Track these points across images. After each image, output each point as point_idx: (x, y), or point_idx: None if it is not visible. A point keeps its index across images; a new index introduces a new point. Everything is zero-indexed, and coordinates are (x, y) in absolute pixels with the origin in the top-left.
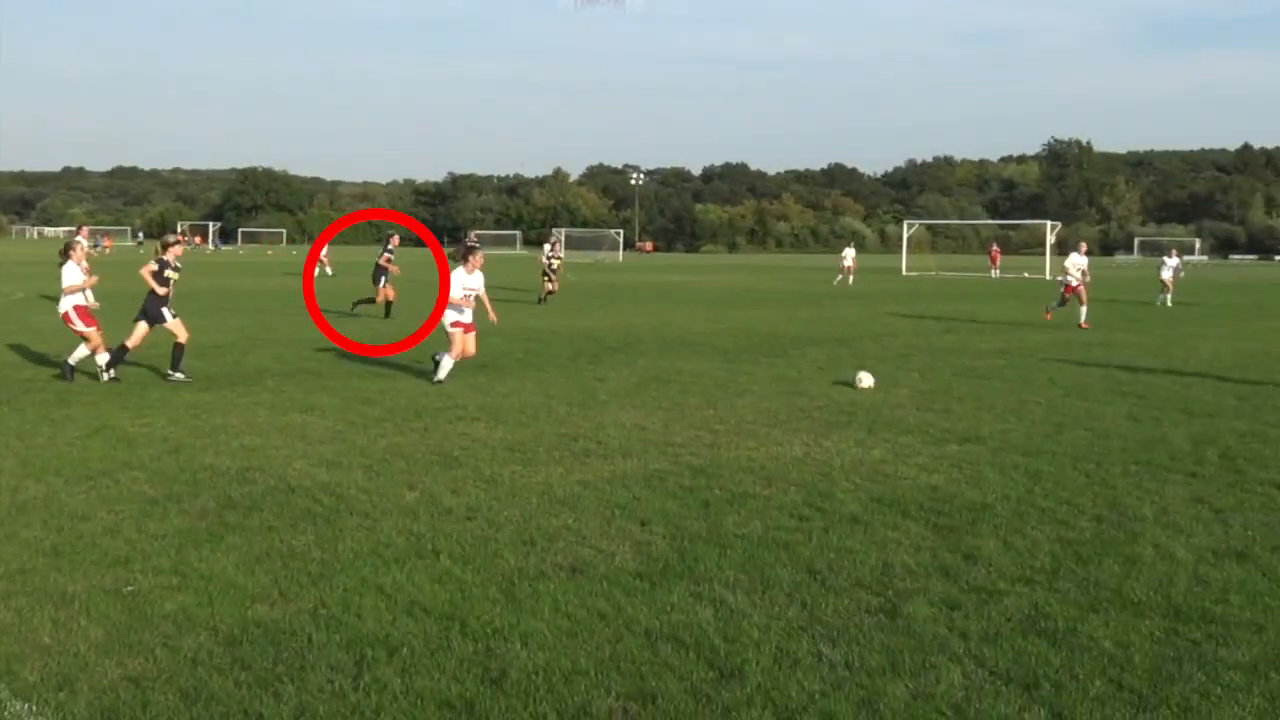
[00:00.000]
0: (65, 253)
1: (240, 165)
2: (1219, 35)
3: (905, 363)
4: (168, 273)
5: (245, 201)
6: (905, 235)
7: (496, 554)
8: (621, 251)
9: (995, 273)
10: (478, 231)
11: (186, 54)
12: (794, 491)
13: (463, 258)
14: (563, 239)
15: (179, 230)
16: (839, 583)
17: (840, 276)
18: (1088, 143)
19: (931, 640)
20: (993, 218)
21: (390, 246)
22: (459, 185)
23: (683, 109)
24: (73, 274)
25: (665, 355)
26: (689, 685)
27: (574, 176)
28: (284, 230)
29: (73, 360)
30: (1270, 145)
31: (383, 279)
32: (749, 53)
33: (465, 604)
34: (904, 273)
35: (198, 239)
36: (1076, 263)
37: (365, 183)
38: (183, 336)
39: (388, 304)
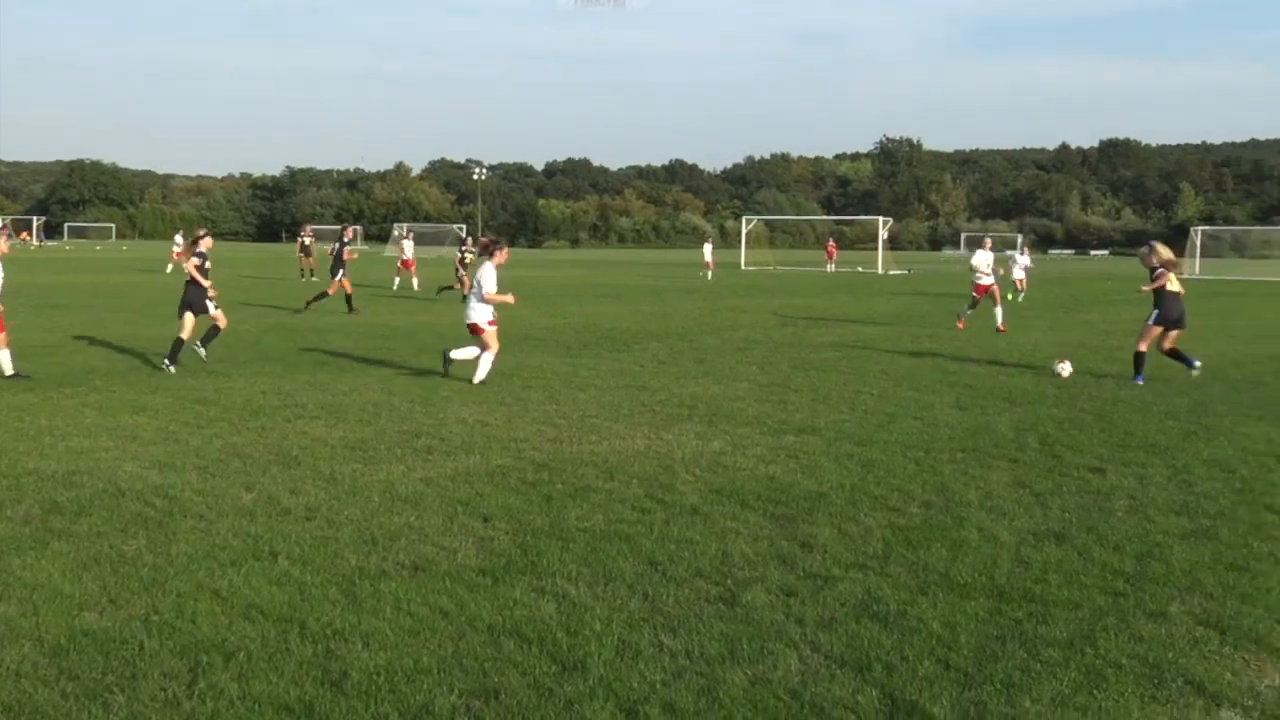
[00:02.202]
0: None
1: (66, 158)
2: (1040, 39)
3: (745, 356)
4: (207, 264)
5: (72, 195)
6: (744, 231)
7: (337, 554)
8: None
9: (831, 267)
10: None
11: (6, 42)
12: (636, 484)
13: (491, 253)
14: (466, 235)
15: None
16: (679, 573)
17: (703, 272)
18: (918, 141)
19: (769, 627)
20: (828, 213)
21: (346, 240)
22: (297, 179)
23: (524, 104)
24: None
25: (508, 350)
26: (531, 680)
27: (416, 171)
28: (113, 225)
29: None
30: (1086, 145)
31: (340, 272)
32: (589, 48)
33: (304, 605)
34: (743, 267)
35: (23, 235)
36: (984, 260)
37: (200, 176)
38: (224, 324)
39: (347, 297)
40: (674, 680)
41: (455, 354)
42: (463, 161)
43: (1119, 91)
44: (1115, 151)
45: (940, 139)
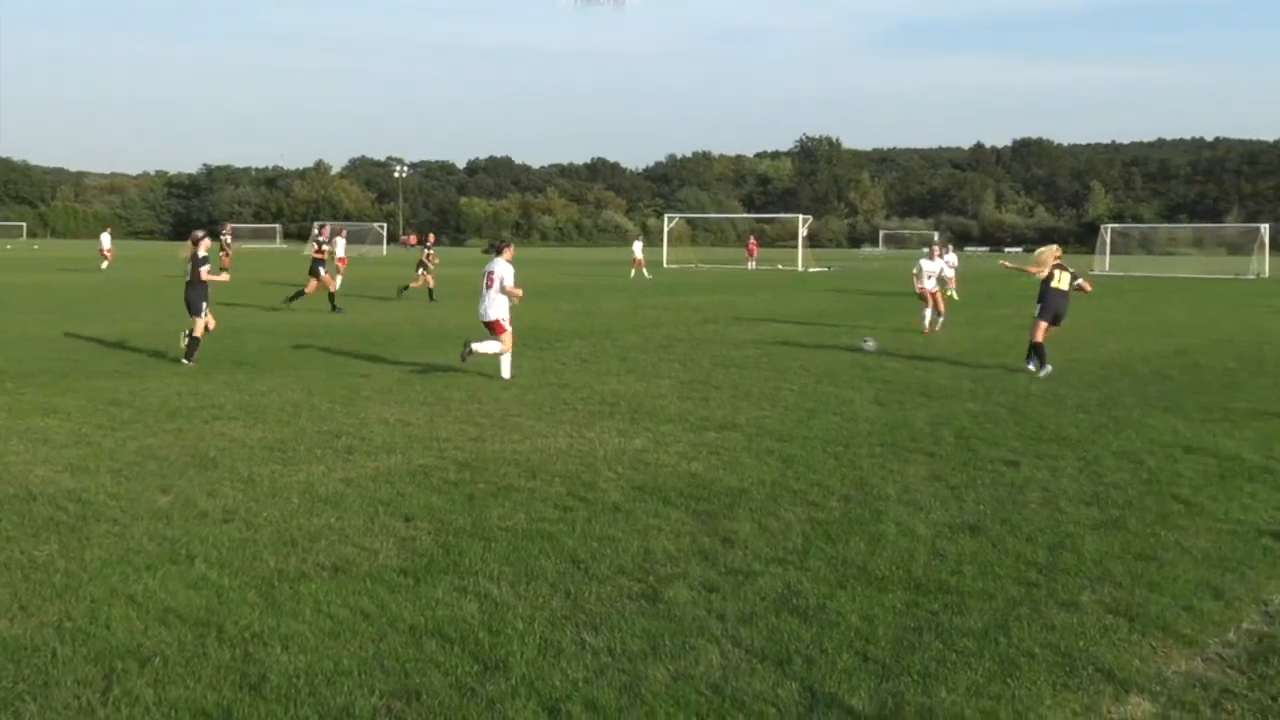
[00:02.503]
0: None
1: None
2: (957, 40)
3: (667, 354)
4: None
5: None
6: (666, 229)
7: (255, 556)
8: (385, 245)
9: (752, 265)
10: (233, 225)
11: None
12: (558, 483)
13: (500, 250)
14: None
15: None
16: (602, 571)
17: (635, 272)
18: (836, 140)
19: (691, 623)
20: (749, 211)
21: (320, 237)
22: (214, 177)
23: (445, 101)
24: None
25: (425, 349)
26: (454, 680)
27: (336, 169)
28: (24, 224)
29: None
30: (1000, 144)
31: (320, 270)
32: (510, 45)
33: (222, 609)
34: (665, 265)
35: None
36: (926, 269)
37: (113, 174)
38: (212, 325)
39: (330, 295)
40: (596, 678)
41: (477, 346)
42: (383, 159)
43: (1032, 92)
44: (1028, 151)
45: (859, 138)
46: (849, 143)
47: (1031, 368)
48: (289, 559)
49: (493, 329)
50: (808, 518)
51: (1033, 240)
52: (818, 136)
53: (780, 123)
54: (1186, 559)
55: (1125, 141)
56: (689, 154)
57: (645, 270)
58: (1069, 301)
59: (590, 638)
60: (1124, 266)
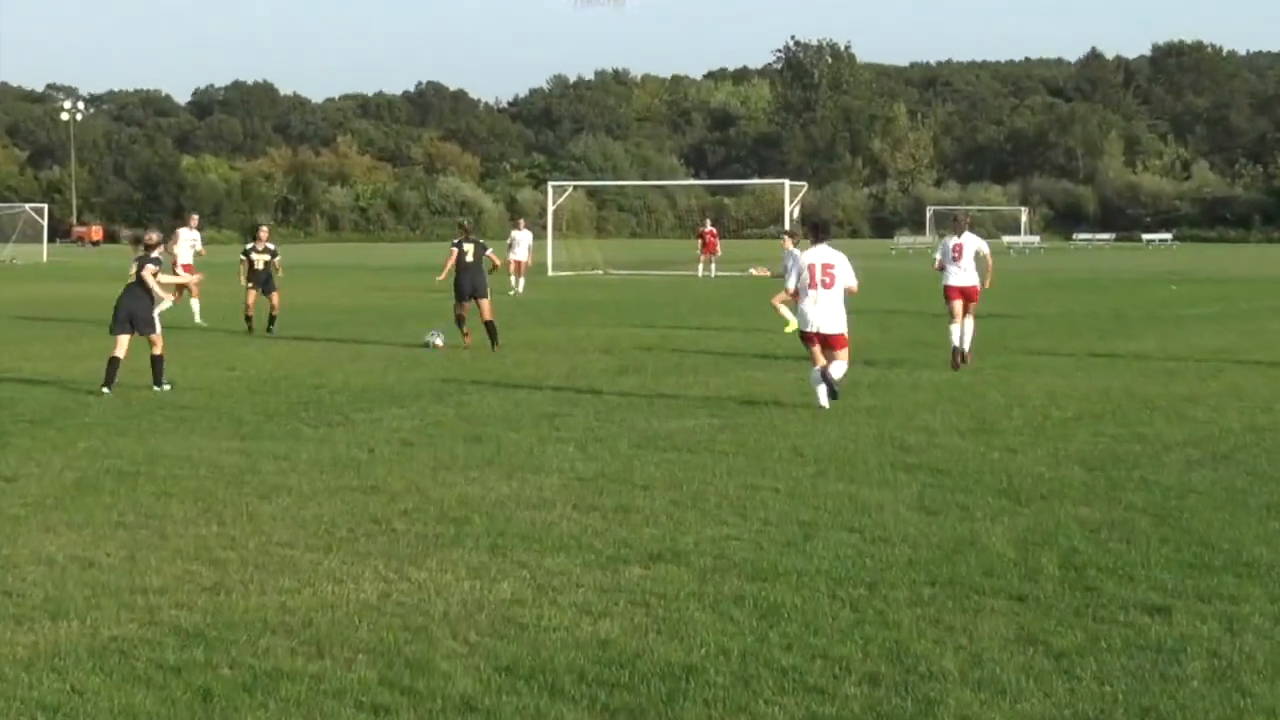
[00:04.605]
0: None
1: None
2: None
3: (554, 427)
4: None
5: None
6: (551, 205)
7: None
8: (46, 244)
9: (710, 270)
10: None
11: None
12: (363, 664)
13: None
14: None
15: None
16: None
17: (516, 280)
18: (847, 49)
19: None
20: (698, 175)
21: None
22: None
23: None
24: None
25: (128, 424)
26: None
27: None
28: None
29: None
30: (1130, 54)
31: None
32: None
33: None
34: (551, 272)
35: None
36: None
37: None
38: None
39: (269, 316)
40: None
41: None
42: (40, 89)
43: None
44: (1179, 65)
45: (886, 46)
46: (869, 54)
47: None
48: None
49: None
50: (807, 716)
51: (1192, 220)
52: (813, 43)
53: (752, 19)
54: None
55: None
56: (588, 75)
57: (520, 281)
58: None
59: None
60: None
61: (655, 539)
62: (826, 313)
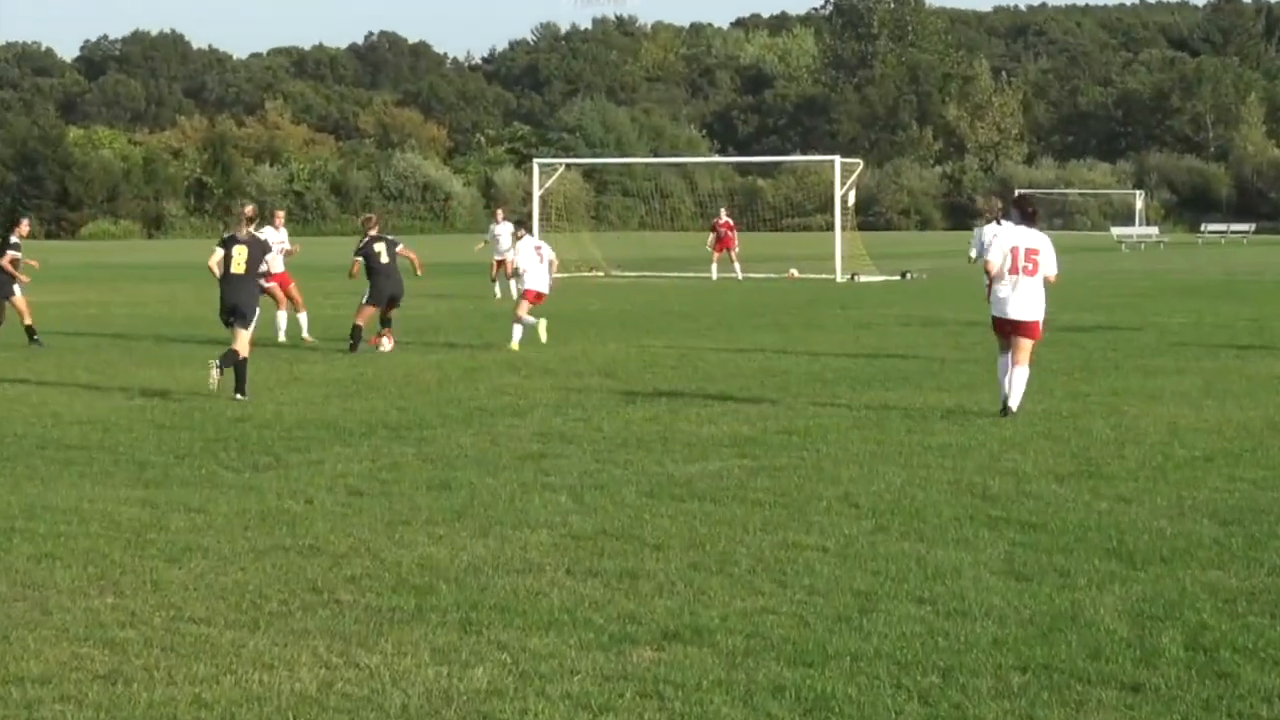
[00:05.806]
0: None
1: None
2: None
3: (541, 471)
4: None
5: None
6: (537, 190)
7: None
8: None
9: (723, 270)
10: None
11: None
12: None
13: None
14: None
15: None
16: None
17: (500, 281)
18: None
19: None
20: (723, 149)
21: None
22: None
23: None
24: None
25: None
26: None
27: None
28: None
29: None
30: None
31: (15, 289)
32: None
33: None
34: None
35: None
36: (989, 234)
37: None
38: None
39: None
40: None
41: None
42: None
43: None
44: None
45: None
46: None
47: None
48: None
49: (536, 300)
50: None
51: None
52: None
53: None
54: None
55: None
56: (584, 24)
57: (512, 285)
58: None
59: None
60: None
61: (671, 613)
62: (1024, 300)
